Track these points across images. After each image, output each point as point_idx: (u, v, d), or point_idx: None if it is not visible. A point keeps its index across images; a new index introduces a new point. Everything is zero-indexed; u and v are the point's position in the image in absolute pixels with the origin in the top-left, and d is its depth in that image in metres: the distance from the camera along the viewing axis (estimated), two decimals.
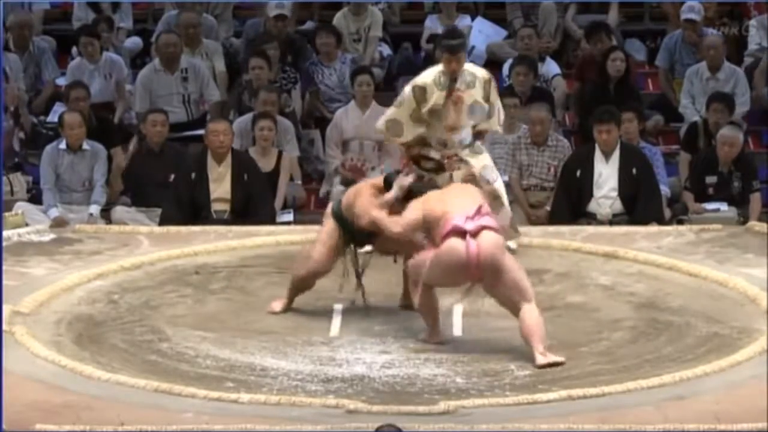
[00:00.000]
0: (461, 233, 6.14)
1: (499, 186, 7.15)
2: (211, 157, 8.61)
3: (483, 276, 6.15)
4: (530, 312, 6.13)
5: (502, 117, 7.21)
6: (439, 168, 7.05)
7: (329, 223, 6.73)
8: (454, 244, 6.13)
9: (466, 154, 7.08)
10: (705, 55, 9.86)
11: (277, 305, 6.78)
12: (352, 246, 6.74)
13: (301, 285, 6.77)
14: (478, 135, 7.18)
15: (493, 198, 7.05)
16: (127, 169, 9.15)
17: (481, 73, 7.12)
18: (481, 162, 7.12)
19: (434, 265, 6.19)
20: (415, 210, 6.39)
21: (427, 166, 7.04)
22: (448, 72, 6.99)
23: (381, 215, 6.52)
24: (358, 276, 6.75)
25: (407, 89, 7.07)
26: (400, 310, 6.78)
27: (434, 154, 7.03)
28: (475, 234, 6.14)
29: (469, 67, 7.11)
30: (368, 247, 6.78)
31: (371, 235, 6.65)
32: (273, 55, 9.87)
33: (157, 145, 9.11)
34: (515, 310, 6.17)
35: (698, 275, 7.12)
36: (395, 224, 6.45)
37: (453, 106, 6.99)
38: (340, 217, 6.70)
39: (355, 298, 6.78)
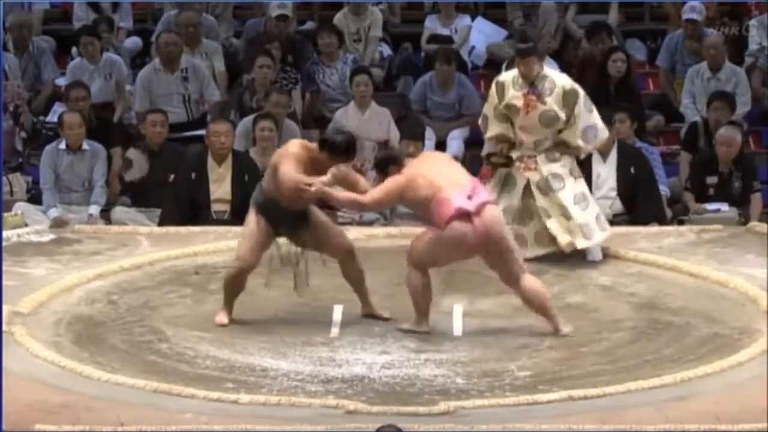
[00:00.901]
0: (466, 216, 6.21)
1: (564, 196, 7.30)
2: (212, 157, 8.59)
3: (488, 251, 6.27)
4: (534, 280, 6.34)
5: (599, 135, 7.40)
6: (508, 163, 7.30)
7: (251, 217, 6.62)
8: (462, 228, 6.21)
9: (540, 159, 7.26)
10: (706, 55, 9.84)
11: (222, 317, 6.66)
12: (278, 239, 6.64)
13: (232, 287, 6.64)
14: (561, 144, 7.32)
15: (557, 208, 7.26)
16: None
17: (564, 83, 7.34)
18: (551, 170, 7.27)
19: (440, 247, 6.24)
20: (391, 187, 6.34)
21: (496, 161, 7.34)
22: (521, 74, 7.32)
23: (331, 190, 6.37)
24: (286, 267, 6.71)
25: (492, 85, 7.48)
26: (396, 310, 6.74)
27: (512, 153, 7.32)
28: (477, 212, 6.25)
29: (554, 75, 7.41)
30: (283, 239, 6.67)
31: (299, 219, 6.54)
32: (274, 55, 9.85)
33: (157, 145, 9.09)
34: (515, 281, 6.29)
35: (699, 276, 7.13)
36: (367, 197, 6.38)
37: (524, 108, 7.25)
38: (263, 205, 6.59)
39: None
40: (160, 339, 6.43)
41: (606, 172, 8.54)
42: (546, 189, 7.33)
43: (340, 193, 6.43)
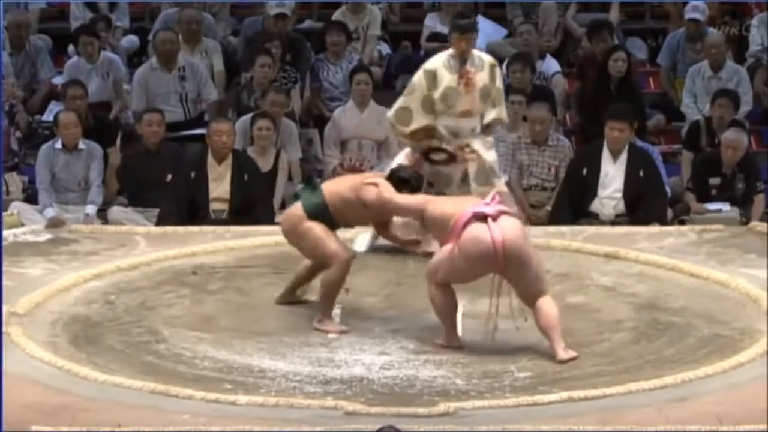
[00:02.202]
0: (482, 218, 6.01)
1: (501, 185, 7.22)
2: (212, 156, 8.56)
3: (507, 264, 6.01)
4: (549, 304, 6.06)
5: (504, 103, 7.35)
6: (451, 159, 7.07)
7: (311, 225, 6.49)
8: (478, 230, 5.99)
9: (478, 146, 7.11)
10: (707, 54, 9.81)
11: (333, 328, 6.48)
12: None
13: (337, 288, 6.50)
14: (487, 128, 7.22)
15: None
16: (123, 169, 9.09)
17: (488, 58, 7.26)
18: (492, 156, 7.19)
19: (457, 256, 6.03)
20: (418, 199, 6.29)
21: (438, 159, 7.07)
22: (458, 54, 7.12)
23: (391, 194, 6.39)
24: None
25: (417, 75, 7.20)
26: (396, 311, 6.71)
27: (446, 146, 7.10)
28: (495, 219, 6.03)
29: (476, 51, 7.26)
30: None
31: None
32: (274, 53, 9.82)
33: (154, 145, 9.05)
34: (532, 301, 6.07)
35: (700, 276, 7.09)
36: (403, 199, 6.34)
37: (465, 89, 7.09)
38: (320, 215, 6.52)
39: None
40: (157, 340, 6.38)
41: (614, 172, 8.49)
42: (484, 180, 7.17)
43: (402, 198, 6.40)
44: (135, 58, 10.51)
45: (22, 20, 10.19)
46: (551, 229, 7.97)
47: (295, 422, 5.40)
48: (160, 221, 8.43)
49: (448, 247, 6.09)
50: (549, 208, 8.84)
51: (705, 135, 9.20)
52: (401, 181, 6.52)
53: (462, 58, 7.14)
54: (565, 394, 5.65)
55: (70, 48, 10.21)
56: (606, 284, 7.10)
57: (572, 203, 8.59)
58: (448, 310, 6.21)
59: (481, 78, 7.14)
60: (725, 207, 8.69)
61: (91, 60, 9.87)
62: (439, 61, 7.18)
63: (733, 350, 6.14)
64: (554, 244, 7.56)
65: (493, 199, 6.16)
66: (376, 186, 6.44)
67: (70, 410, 5.49)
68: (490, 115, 7.23)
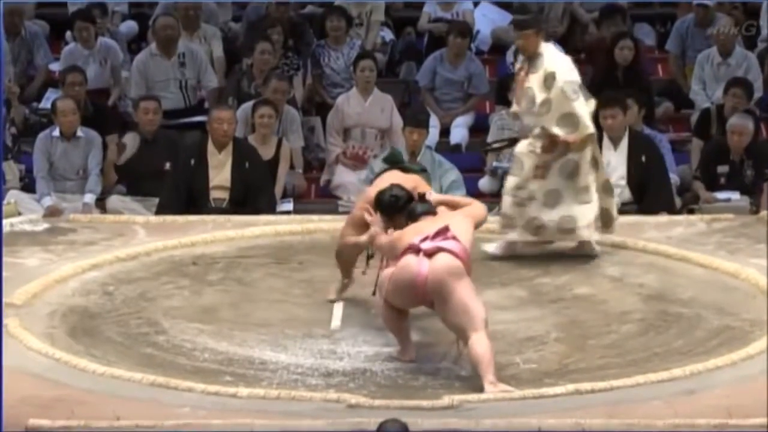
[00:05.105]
0: (416, 251, 5.95)
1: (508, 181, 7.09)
2: (212, 144, 8.49)
3: (432, 298, 5.91)
4: (479, 341, 5.81)
5: (579, 128, 6.91)
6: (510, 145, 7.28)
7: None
8: (408, 260, 5.94)
9: (519, 148, 7.08)
10: (716, 40, 9.74)
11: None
12: None
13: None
14: (546, 135, 6.97)
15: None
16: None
17: (549, 64, 6.95)
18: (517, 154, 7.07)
19: (390, 281, 5.99)
20: (388, 237, 6.16)
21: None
22: (519, 49, 7.06)
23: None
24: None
25: None
26: None
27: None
28: (430, 255, 5.92)
29: (549, 54, 7.00)
30: None
31: None
32: (276, 40, 9.74)
33: (150, 133, 8.96)
34: (464, 338, 5.89)
35: (709, 266, 7.04)
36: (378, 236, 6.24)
37: (517, 85, 7.04)
38: None
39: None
40: (156, 331, 6.33)
41: (616, 160, 8.44)
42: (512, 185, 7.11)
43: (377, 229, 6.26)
44: (134, 44, 10.44)
45: (16, 8, 10.09)
46: None
47: (297, 415, 5.35)
48: (161, 210, 8.37)
49: (392, 269, 6.04)
50: None
51: (716, 123, 9.13)
52: (389, 207, 6.21)
53: (526, 54, 6.98)
54: (571, 387, 5.58)
55: (68, 34, 10.13)
56: (613, 274, 7.04)
57: None
58: (392, 323, 6.05)
59: (530, 81, 6.94)
60: (735, 196, 8.64)
61: (88, 46, 9.78)
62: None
63: (742, 342, 6.07)
64: None
65: (439, 233, 5.98)
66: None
67: (67, 403, 5.43)
68: (536, 123, 6.99)
